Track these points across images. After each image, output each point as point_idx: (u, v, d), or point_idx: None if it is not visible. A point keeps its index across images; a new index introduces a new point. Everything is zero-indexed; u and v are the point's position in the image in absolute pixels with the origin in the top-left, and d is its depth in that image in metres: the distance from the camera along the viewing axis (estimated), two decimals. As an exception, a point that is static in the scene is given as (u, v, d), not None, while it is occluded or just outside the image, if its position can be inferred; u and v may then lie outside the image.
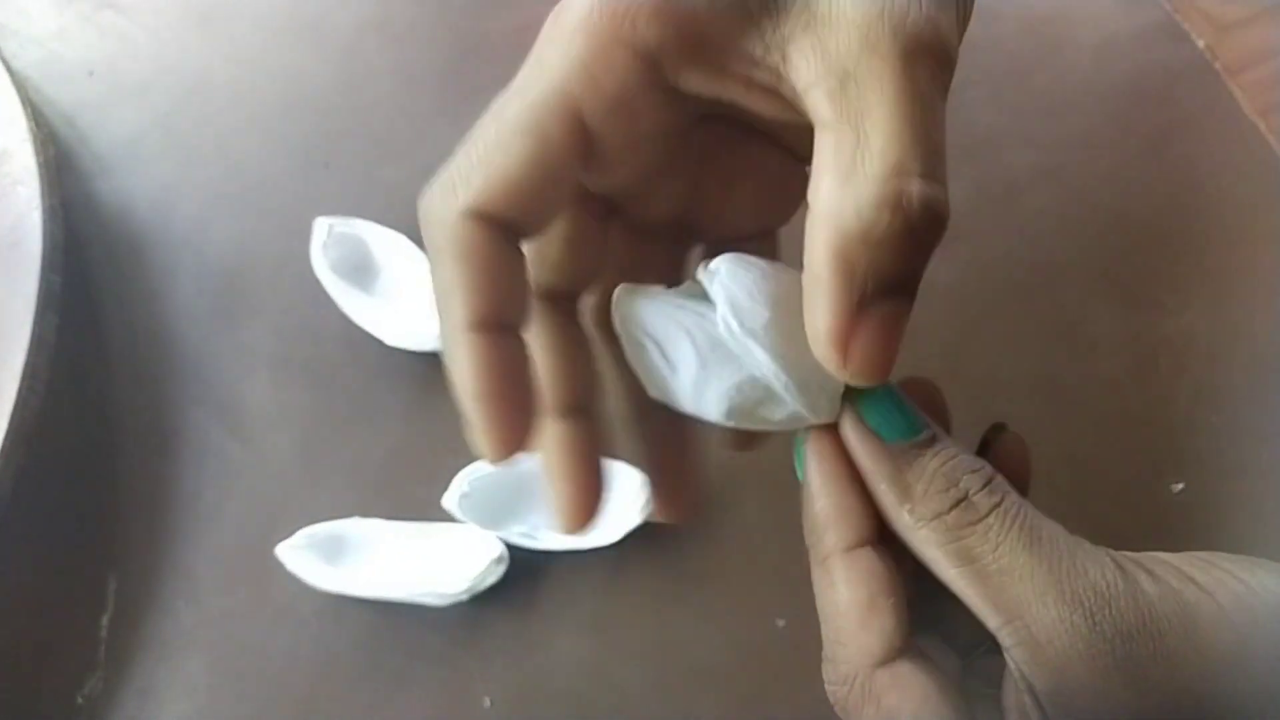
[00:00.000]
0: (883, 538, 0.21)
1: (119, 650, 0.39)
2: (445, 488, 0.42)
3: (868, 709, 0.21)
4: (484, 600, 0.39)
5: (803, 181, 0.19)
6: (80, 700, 0.38)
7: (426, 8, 0.54)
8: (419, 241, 0.46)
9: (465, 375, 0.20)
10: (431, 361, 0.44)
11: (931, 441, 0.21)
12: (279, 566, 0.38)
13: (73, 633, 0.39)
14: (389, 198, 0.49)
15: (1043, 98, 0.51)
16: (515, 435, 0.20)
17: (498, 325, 0.20)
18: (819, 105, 0.18)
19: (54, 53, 0.53)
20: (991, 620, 0.19)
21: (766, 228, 0.26)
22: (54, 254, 0.44)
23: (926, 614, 0.22)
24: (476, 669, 0.38)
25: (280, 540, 0.39)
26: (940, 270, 0.46)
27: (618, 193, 0.23)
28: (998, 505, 0.20)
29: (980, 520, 0.20)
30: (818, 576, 0.22)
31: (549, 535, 0.39)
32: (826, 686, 0.22)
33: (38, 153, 0.46)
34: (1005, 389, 0.44)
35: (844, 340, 0.18)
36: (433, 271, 0.20)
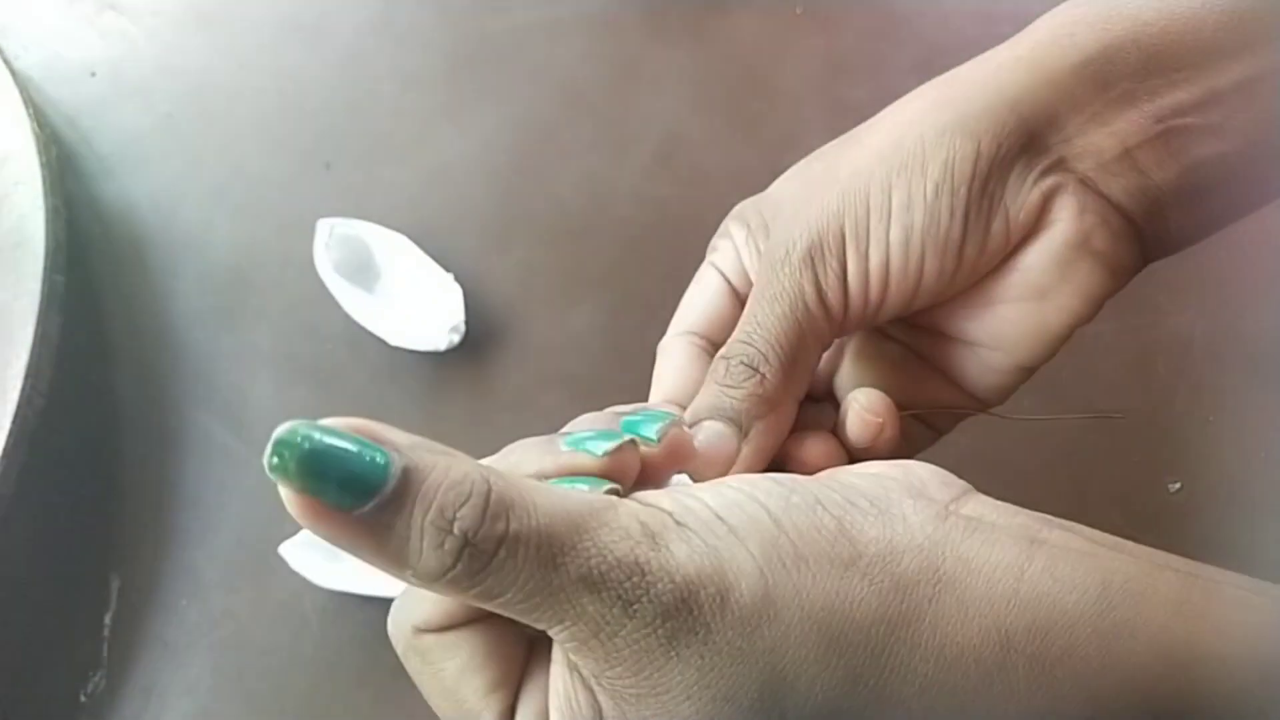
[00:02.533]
0: None
1: (122, 648, 0.39)
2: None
3: (412, 662, 0.21)
4: (485, 599, 0.39)
5: None
6: (84, 698, 0.38)
7: (427, 9, 0.55)
8: (420, 242, 0.46)
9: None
10: (433, 361, 0.44)
11: (403, 489, 0.17)
12: (281, 565, 0.39)
13: (76, 631, 0.39)
14: (390, 198, 0.49)
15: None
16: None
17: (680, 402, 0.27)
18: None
19: (56, 54, 0.53)
20: (551, 633, 0.18)
21: None
22: (57, 254, 0.44)
23: None
24: (478, 667, 0.38)
25: (283, 539, 0.39)
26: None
27: None
28: (504, 535, 0.17)
29: (489, 564, 0.17)
30: None
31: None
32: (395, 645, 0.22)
33: (40, 153, 0.46)
34: (1004, 389, 0.44)
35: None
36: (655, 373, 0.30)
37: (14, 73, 0.49)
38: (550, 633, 0.18)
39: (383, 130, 0.51)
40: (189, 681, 0.38)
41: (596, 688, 0.19)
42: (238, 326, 0.46)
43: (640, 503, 0.19)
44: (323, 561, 0.39)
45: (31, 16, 0.54)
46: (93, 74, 0.53)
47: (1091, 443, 0.43)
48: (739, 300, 0.28)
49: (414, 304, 0.44)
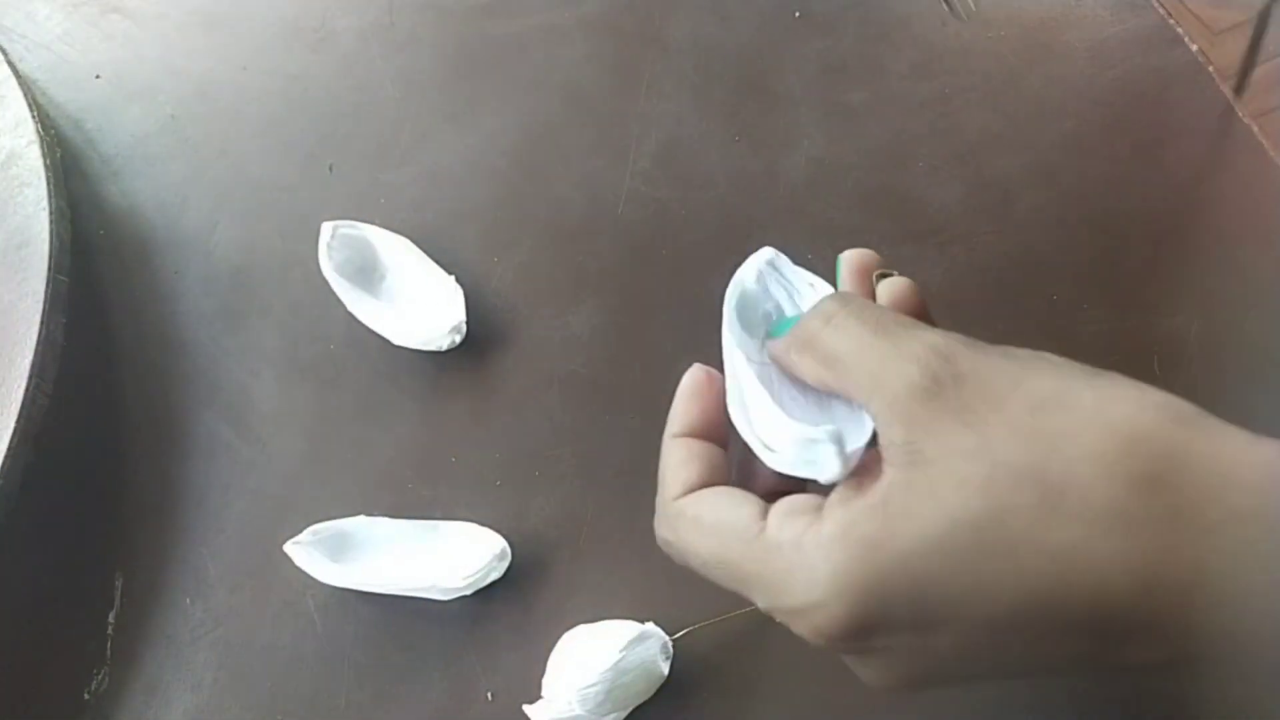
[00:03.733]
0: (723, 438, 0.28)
1: (126, 646, 0.39)
2: (451, 485, 0.42)
3: (679, 524, 0.26)
4: (487, 596, 0.39)
5: None
6: (87, 696, 0.38)
7: (429, 13, 0.55)
8: (422, 243, 0.46)
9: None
10: (437, 361, 0.45)
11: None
12: (285, 563, 0.39)
13: (80, 629, 0.40)
14: (393, 200, 0.49)
15: (1036, 101, 0.52)
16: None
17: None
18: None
19: (61, 56, 0.53)
20: (857, 395, 0.23)
21: None
22: (61, 255, 0.44)
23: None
24: (479, 663, 0.39)
25: (287, 538, 0.39)
26: (934, 272, 0.47)
27: None
28: (844, 308, 0.25)
29: (830, 321, 0.24)
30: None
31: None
32: (658, 537, 0.27)
33: (45, 155, 0.46)
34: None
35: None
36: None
37: (19, 75, 0.49)
38: (864, 400, 0.23)
39: (385, 132, 0.51)
40: (193, 679, 0.39)
41: (893, 461, 0.22)
42: (242, 326, 0.46)
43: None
44: (326, 560, 0.39)
45: (37, 19, 0.55)
46: (97, 76, 0.53)
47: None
48: None
49: (416, 304, 0.45)
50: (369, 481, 0.42)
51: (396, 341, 0.43)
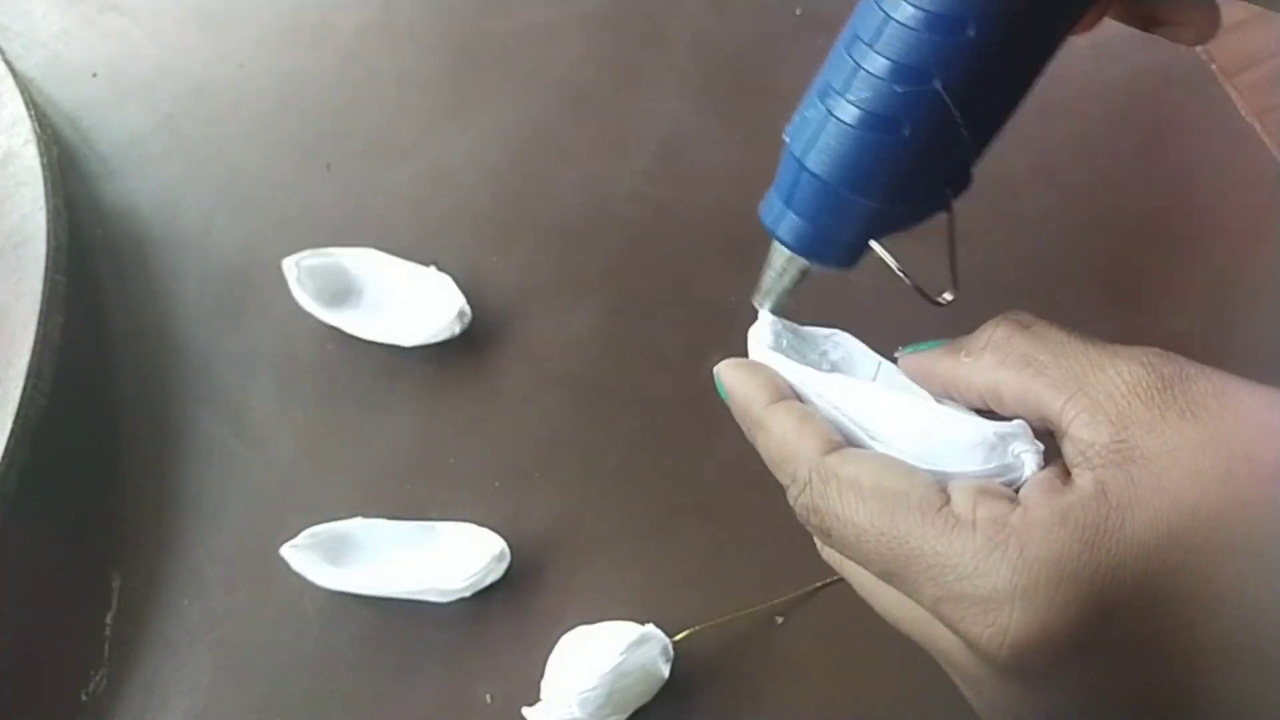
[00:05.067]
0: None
1: (123, 648, 0.39)
2: (448, 487, 0.42)
3: (830, 489, 0.23)
4: (485, 597, 0.39)
5: None
6: (85, 697, 0.38)
7: (427, 11, 0.55)
8: (420, 242, 0.46)
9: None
10: (434, 361, 0.44)
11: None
12: (282, 565, 0.39)
13: (77, 630, 0.39)
14: (391, 199, 0.49)
15: (1039, 100, 0.51)
16: None
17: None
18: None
19: (58, 54, 0.53)
20: (1056, 402, 0.22)
21: None
22: (58, 254, 0.44)
23: None
24: (478, 665, 0.38)
25: (284, 540, 0.39)
26: (936, 271, 0.46)
27: None
28: (1037, 320, 0.23)
29: (1030, 328, 0.23)
30: (758, 442, 0.25)
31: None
32: (795, 509, 0.24)
33: (42, 154, 0.46)
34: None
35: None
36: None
37: (16, 74, 0.49)
38: (1060, 404, 0.21)
39: (383, 131, 0.51)
40: (190, 681, 0.39)
41: (1094, 464, 0.21)
42: (239, 326, 0.46)
43: None
44: (323, 561, 0.39)
45: (33, 17, 0.54)
46: (94, 75, 0.53)
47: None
48: None
49: (411, 303, 0.44)
50: (367, 483, 0.42)
51: (405, 343, 0.43)
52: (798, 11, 0.55)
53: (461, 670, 0.38)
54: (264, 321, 0.46)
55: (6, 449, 0.39)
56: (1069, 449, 0.21)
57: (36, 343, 0.41)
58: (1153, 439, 0.20)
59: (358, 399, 0.44)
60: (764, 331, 0.28)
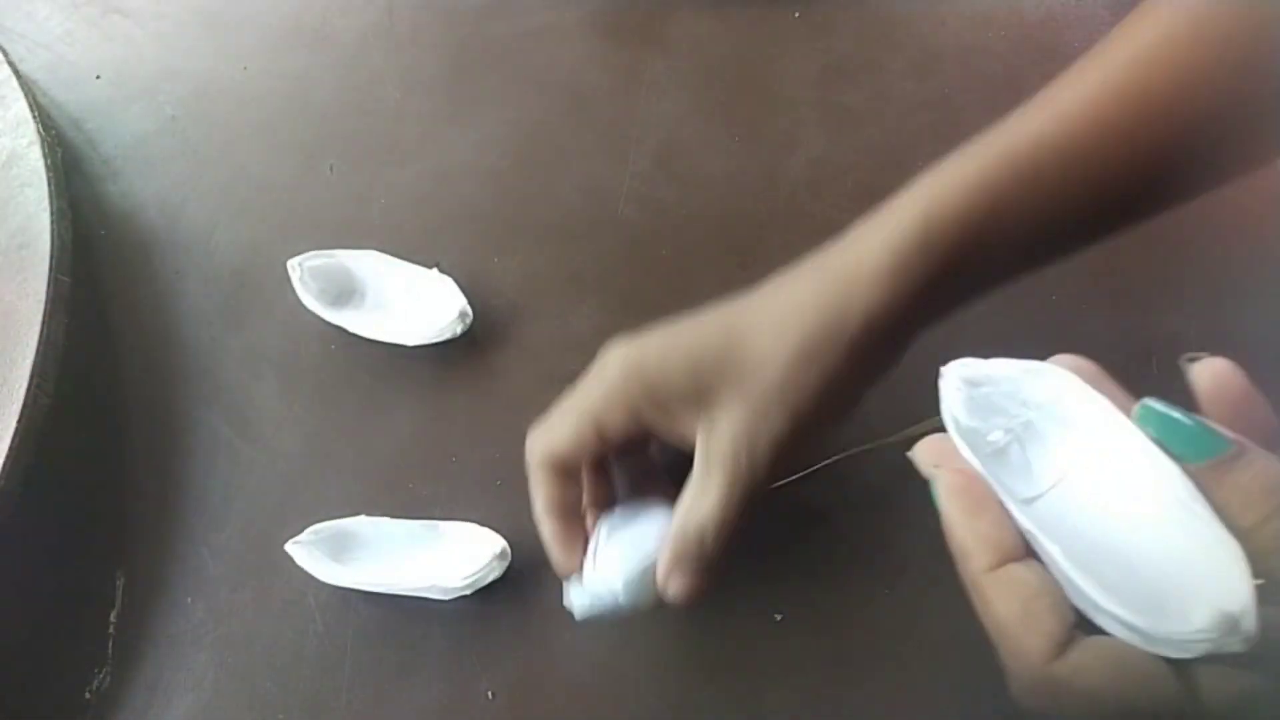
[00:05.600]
0: (1028, 553, 0.23)
1: (127, 645, 0.39)
2: (451, 485, 0.42)
3: (1065, 700, 0.22)
4: (487, 595, 0.39)
5: None
6: (89, 695, 0.39)
7: (430, 13, 0.55)
8: (422, 243, 0.47)
9: (536, 504, 0.36)
10: (436, 361, 0.45)
11: (1239, 455, 0.21)
12: (286, 562, 0.39)
13: (82, 628, 0.40)
14: (393, 200, 0.49)
15: (1037, 102, 0.52)
16: (568, 556, 0.35)
17: (560, 502, 0.36)
18: (695, 474, 0.33)
19: (62, 56, 0.54)
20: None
21: None
22: (62, 255, 0.44)
23: None
24: (480, 662, 0.39)
25: (288, 537, 0.39)
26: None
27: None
28: None
29: None
30: (973, 599, 0.24)
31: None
32: (1016, 697, 0.23)
33: (46, 155, 0.46)
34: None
35: (666, 575, 0.33)
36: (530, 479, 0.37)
37: (20, 75, 0.50)
38: None
39: (385, 133, 0.51)
40: (194, 678, 0.39)
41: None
42: (243, 326, 0.46)
43: None
44: (327, 559, 0.39)
45: (37, 20, 0.55)
46: (98, 77, 0.53)
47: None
48: (601, 440, 0.35)
49: (413, 302, 0.45)
50: (370, 481, 0.42)
51: (409, 343, 0.44)
52: (796, 14, 0.55)
53: (463, 667, 0.39)
54: (268, 321, 0.46)
55: (11, 449, 0.39)
56: None
57: (41, 343, 0.41)
58: None
59: (360, 398, 0.44)
60: (953, 401, 0.25)
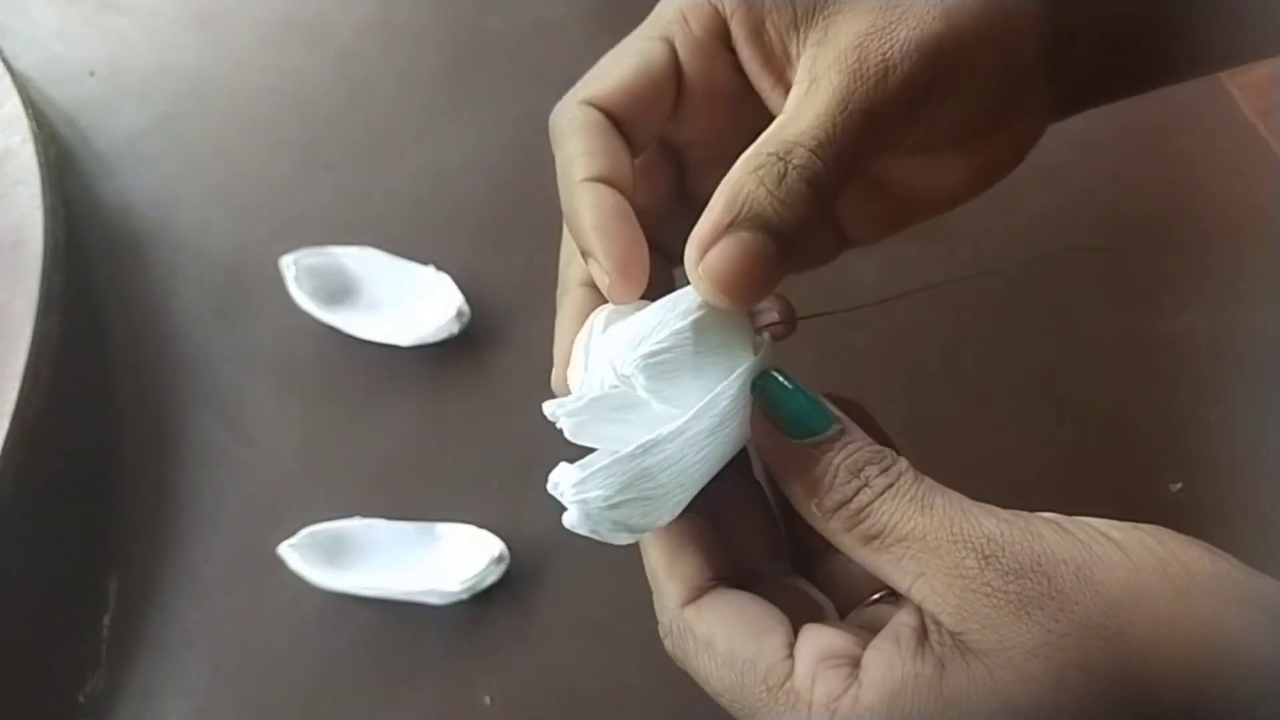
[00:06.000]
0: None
1: (120, 649, 0.39)
2: (447, 487, 0.42)
3: (689, 645, 0.23)
4: (484, 599, 0.39)
5: None
6: (82, 699, 0.38)
7: (426, 8, 0.55)
8: (419, 241, 0.46)
9: (585, 217, 0.23)
10: (433, 360, 0.44)
11: (838, 436, 0.22)
12: (280, 566, 0.38)
13: (74, 632, 0.39)
14: (389, 198, 0.49)
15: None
16: (634, 268, 0.23)
17: (609, 180, 0.24)
18: (790, 99, 0.23)
19: (55, 53, 0.53)
20: (901, 584, 0.21)
21: None
22: (56, 253, 0.44)
23: (804, 568, 0.26)
24: (477, 668, 0.38)
25: (282, 540, 0.39)
26: (939, 270, 0.46)
27: (688, 146, 0.27)
28: (892, 485, 0.21)
29: (877, 499, 0.21)
30: (643, 556, 0.25)
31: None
32: (665, 645, 0.24)
33: (39, 152, 0.46)
34: (1004, 388, 0.44)
35: (704, 246, 0.22)
36: (558, 154, 0.25)
37: (13, 72, 0.49)
38: (906, 585, 0.21)
39: (382, 129, 0.51)
40: (187, 682, 0.38)
41: (941, 643, 0.20)
42: (237, 326, 0.46)
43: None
44: (321, 562, 0.39)
45: (30, 16, 0.54)
46: (91, 73, 0.52)
47: (1091, 443, 0.43)
48: (677, 94, 0.25)
49: (409, 301, 0.44)
50: (365, 483, 0.42)
51: (404, 343, 0.43)
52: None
53: (460, 673, 0.38)
54: (261, 320, 0.46)
55: (3, 449, 0.38)
56: (928, 622, 0.21)
57: (33, 342, 0.41)
58: (989, 635, 0.20)
59: (355, 399, 0.44)
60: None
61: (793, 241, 0.22)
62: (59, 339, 0.42)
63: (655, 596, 0.24)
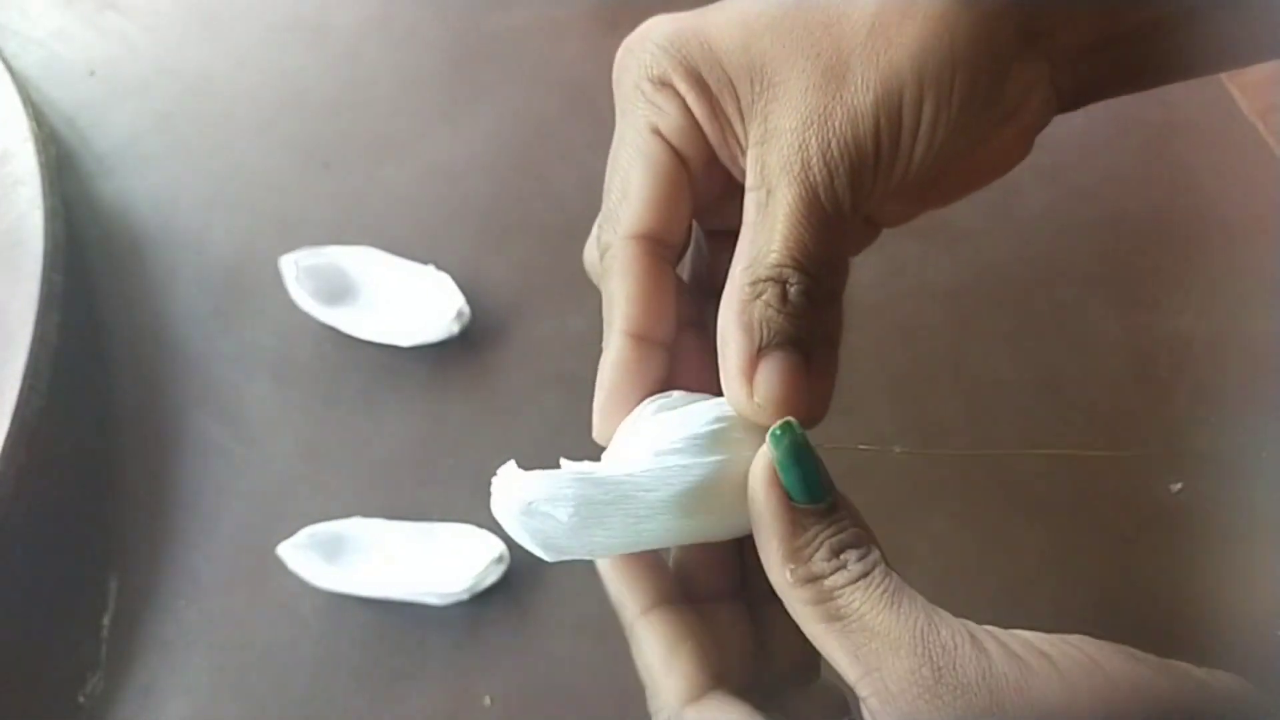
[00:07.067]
0: (686, 597, 0.25)
1: (120, 649, 0.39)
2: (447, 487, 0.42)
3: None
4: (484, 600, 0.39)
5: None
6: (82, 699, 0.38)
7: (426, 9, 0.55)
8: (419, 241, 0.46)
9: (606, 370, 0.25)
10: (432, 361, 0.44)
11: (830, 511, 0.22)
12: (280, 566, 0.38)
13: (74, 632, 0.39)
14: (389, 197, 0.49)
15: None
16: (612, 421, 0.26)
17: (646, 337, 0.25)
18: (749, 207, 0.23)
19: (55, 53, 0.53)
20: (851, 672, 0.21)
21: None
22: (55, 254, 0.44)
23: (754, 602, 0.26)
24: (477, 668, 0.38)
25: (281, 540, 0.39)
26: (940, 269, 0.46)
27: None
28: (867, 574, 0.21)
29: (850, 584, 0.21)
30: (631, 643, 0.25)
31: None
32: None
33: (39, 153, 0.46)
34: (1005, 389, 0.44)
35: (747, 374, 0.23)
36: (603, 288, 0.26)
37: (13, 72, 0.49)
38: (856, 676, 0.21)
39: (381, 129, 0.51)
40: (187, 682, 0.38)
41: None
42: (236, 326, 0.45)
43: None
44: (321, 562, 0.38)
45: (30, 16, 0.54)
46: (91, 73, 0.52)
47: (1093, 443, 0.43)
48: (690, 179, 0.25)
49: (409, 302, 0.44)
50: (364, 484, 0.42)
51: (404, 343, 0.43)
52: (798, 10, 0.54)
53: (460, 673, 0.38)
54: (261, 320, 0.46)
55: (3, 450, 0.38)
56: (865, 714, 0.22)
57: (33, 342, 0.41)
58: None
59: (355, 399, 0.44)
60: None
61: (813, 347, 0.23)
62: (59, 339, 0.42)
63: (649, 688, 0.24)
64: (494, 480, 0.23)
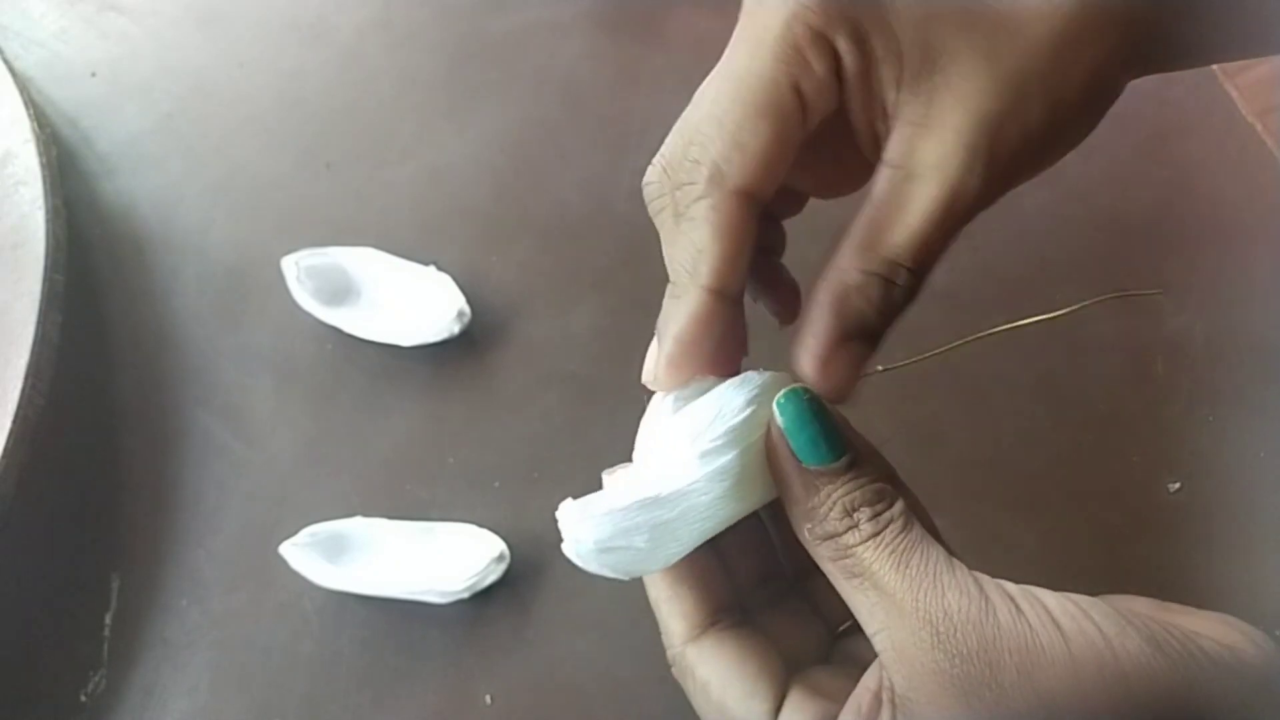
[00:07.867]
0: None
1: (122, 648, 0.39)
2: (448, 487, 0.42)
3: (689, 683, 0.25)
4: (485, 598, 0.39)
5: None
6: (84, 698, 0.38)
7: (428, 10, 0.55)
8: (420, 241, 0.46)
9: (679, 320, 0.24)
10: (433, 360, 0.44)
11: (845, 469, 0.22)
12: (282, 565, 0.39)
13: (76, 631, 0.39)
14: (390, 198, 0.49)
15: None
16: (684, 372, 0.25)
17: (725, 294, 0.24)
18: (881, 182, 0.23)
19: (57, 54, 0.53)
20: (868, 627, 0.22)
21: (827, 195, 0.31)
22: (57, 254, 0.44)
23: (798, 588, 0.27)
24: (478, 666, 0.38)
25: (283, 539, 0.39)
26: (939, 271, 0.46)
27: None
28: (878, 534, 0.22)
29: (861, 544, 0.22)
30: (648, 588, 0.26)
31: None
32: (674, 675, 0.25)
33: (41, 153, 0.46)
34: (1004, 389, 0.44)
35: (823, 358, 0.23)
36: (679, 233, 0.25)
37: (15, 73, 0.49)
38: (872, 631, 0.21)
39: (383, 130, 0.51)
40: (189, 681, 0.38)
41: (894, 705, 0.21)
42: (238, 326, 0.46)
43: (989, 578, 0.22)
44: (322, 561, 0.39)
45: (32, 17, 0.54)
46: (93, 74, 0.53)
47: (1091, 443, 0.43)
48: (806, 140, 0.23)
49: (410, 302, 0.44)
50: (366, 483, 0.42)
51: (405, 343, 0.43)
52: (798, 10, 0.54)
53: (461, 671, 0.38)
54: (263, 321, 0.46)
55: (5, 449, 0.38)
56: (882, 675, 0.22)
57: (35, 342, 0.41)
58: (931, 711, 0.20)
59: (357, 399, 0.44)
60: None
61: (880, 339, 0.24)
62: (61, 339, 0.43)
63: (660, 626, 0.25)
64: (560, 520, 0.23)
